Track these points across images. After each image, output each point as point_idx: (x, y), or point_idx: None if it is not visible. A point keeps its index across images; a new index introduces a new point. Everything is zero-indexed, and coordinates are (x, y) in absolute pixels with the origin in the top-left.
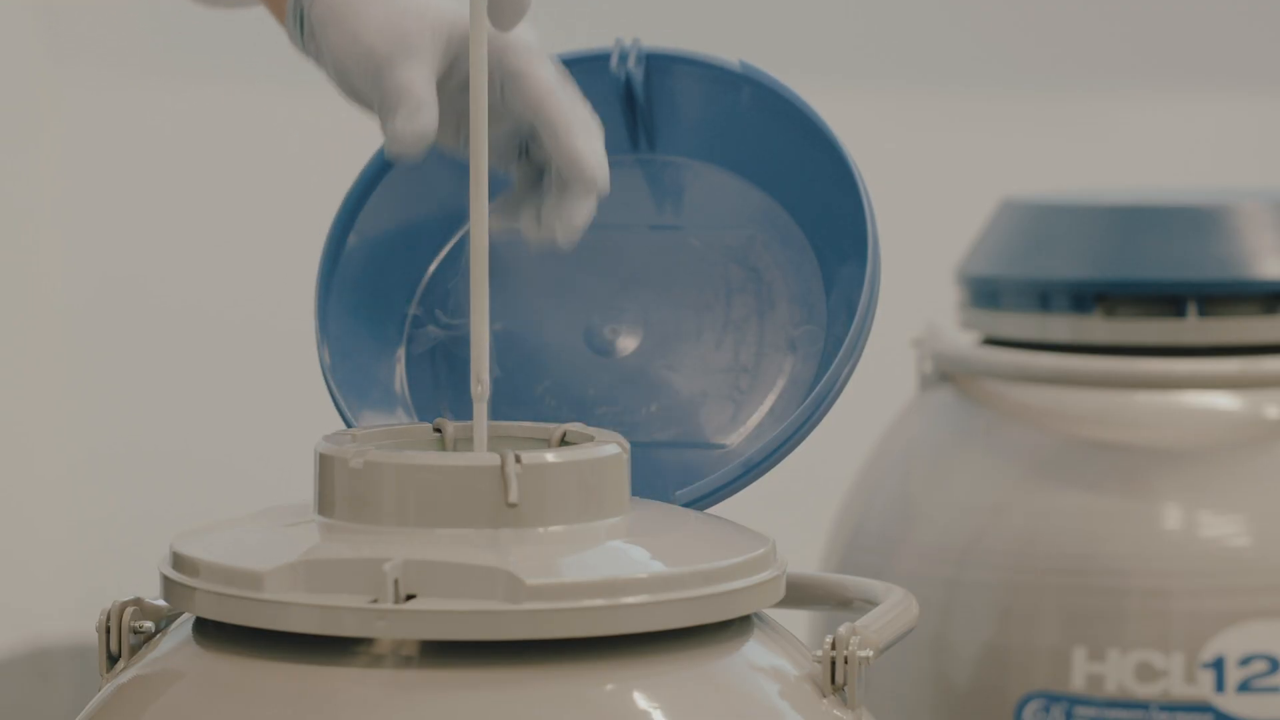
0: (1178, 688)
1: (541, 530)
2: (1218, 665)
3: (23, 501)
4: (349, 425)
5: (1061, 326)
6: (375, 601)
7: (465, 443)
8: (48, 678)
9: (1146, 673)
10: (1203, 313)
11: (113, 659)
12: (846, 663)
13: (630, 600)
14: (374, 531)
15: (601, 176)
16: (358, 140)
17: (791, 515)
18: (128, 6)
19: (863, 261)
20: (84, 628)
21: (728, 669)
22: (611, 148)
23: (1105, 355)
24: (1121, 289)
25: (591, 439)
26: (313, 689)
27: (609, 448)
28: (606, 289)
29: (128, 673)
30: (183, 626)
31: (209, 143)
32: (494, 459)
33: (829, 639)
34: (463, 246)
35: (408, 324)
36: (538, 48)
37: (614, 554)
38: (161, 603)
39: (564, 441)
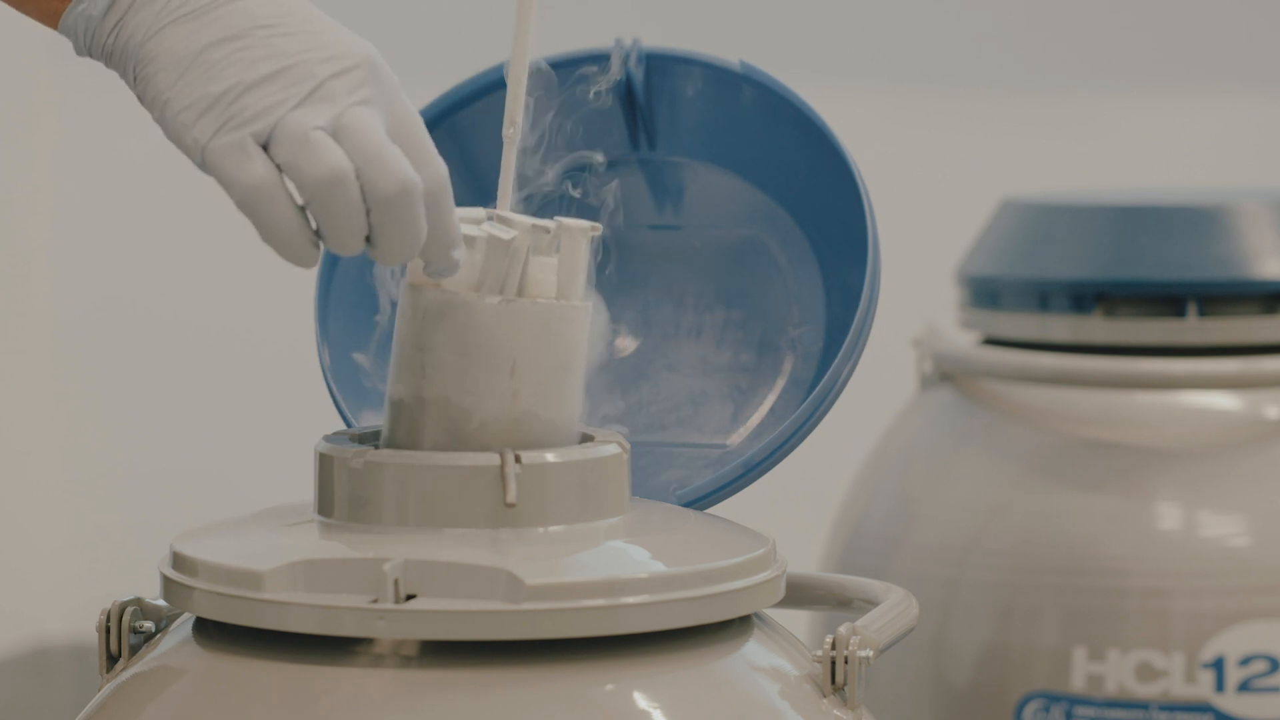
0: (1178, 688)
1: (541, 530)
2: (1218, 665)
3: (23, 502)
4: (349, 425)
5: (1061, 326)
6: (375, 601)
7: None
8: (48, 678)
9: (1146, 673)
10: (1203, 313)
11: (113, 659)
12: (846, 663)
13: (630, 600)
14: (374, 531)
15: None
16: None
17: (791, 515)
18: None
19: (863, 261)
20: (84, 628)
21: (728, 669)
22: (612, 148)
23: (1105, 355)
24: (1121, 289)
25: (591, 439)
26: (313, 689)
27: (609, 448)
28: (607, 289)
29: (127, 672)
30: (183, 626)
31: None
32: (493, 459)
33: (829, 639)
34: None
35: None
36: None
37: (614, 554)
38: (161, 603)
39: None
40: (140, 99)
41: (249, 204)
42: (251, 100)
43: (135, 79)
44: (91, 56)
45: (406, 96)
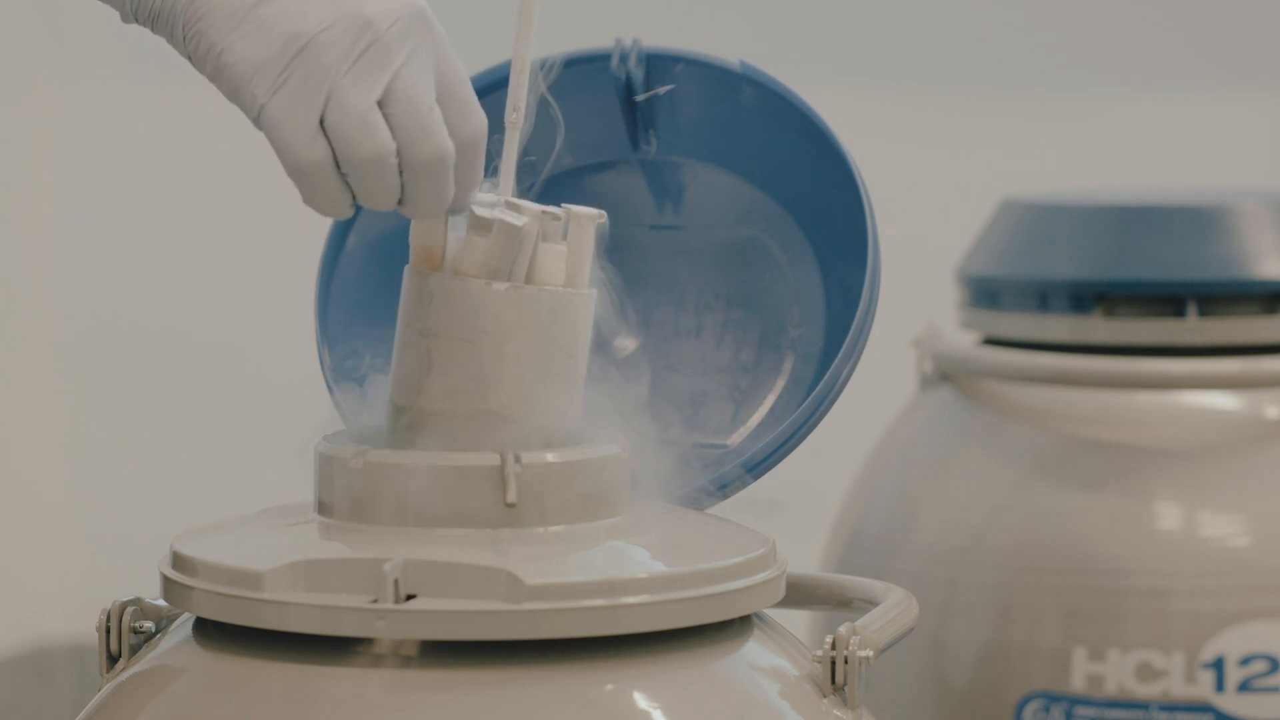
0: (1178, 688)
1: (541, 530)
2: (1218, 665)
3: (23, 502)
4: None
5: (1061, 326)
6: (375, 601)
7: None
8: (48, 678)
9: (1146, 673)
10: (1203, 313)
11: (112, 659)
12: (846, 663)
13: (630, 600)
14: (374, 531)
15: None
16: None
17: (791, 515)
18: None
19: (863, 261)
20: (84, 628)
21: (728, 669)
22: (612, 148)
23: (1105, 355)
24: (1121, 289)
25: (592, 439)
26: (313, 689)
27: (609, 448)
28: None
29: (127, 672)
30: (182, 626)
31: (208, 143)
32: (494, 459)
33: (829, 639)
34: None
35: None
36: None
37: (614, 554)
38: (161, 603)
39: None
40: (191, 58)
41: (298, 177)
42: (308, 59)
43: (185, 37)
44: (138, 21)
45: (452, 48)
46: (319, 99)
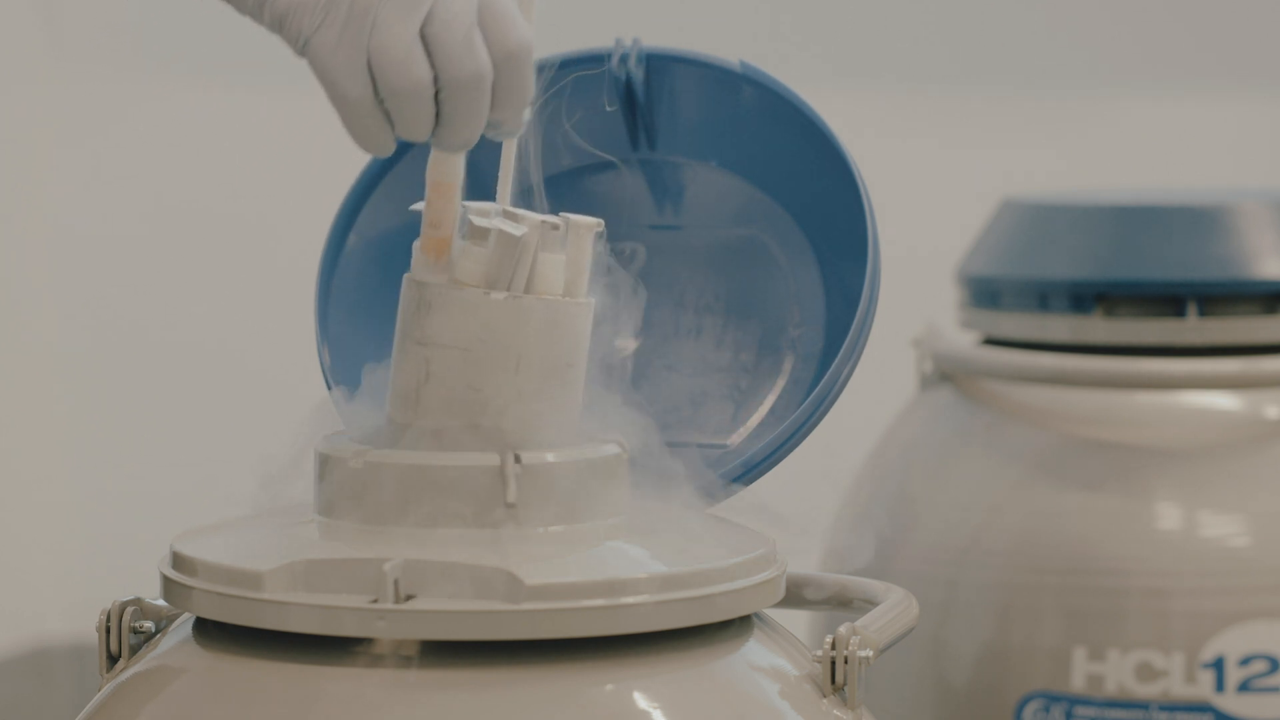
0: (1178, 688)
1: (541, 530)
2: (1218, 665)
3: (23, 502)
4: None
5: (1061, 326)
6: (375, 601)
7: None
8: (48, 678)
9: (1146, 673)
10: (1203, 313)
11: (112, 659)
12: (846, 663)
13: (630, 600)
14: (374, 531)
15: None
16: None
17: (792, 516)
18: (128, 7)
19: (863, 261)
20: (84, 628)
21: (728, 669)
22: (611, 148)
23: (1105, 355)
24: (1121, 289)
25: (592, 439)
26: (313, 689)
27: (609, 448)
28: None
29: (127, 672)
30: (182, 626)
31: (208, 143)
32: (493, 459)
33: (829, 639)
34: None
35: None
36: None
37: (614, 554)
38: (161, 603)
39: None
40: None
41: (342, 109)
42: None
43: None
44: None
45: None
46: (365, 32)
